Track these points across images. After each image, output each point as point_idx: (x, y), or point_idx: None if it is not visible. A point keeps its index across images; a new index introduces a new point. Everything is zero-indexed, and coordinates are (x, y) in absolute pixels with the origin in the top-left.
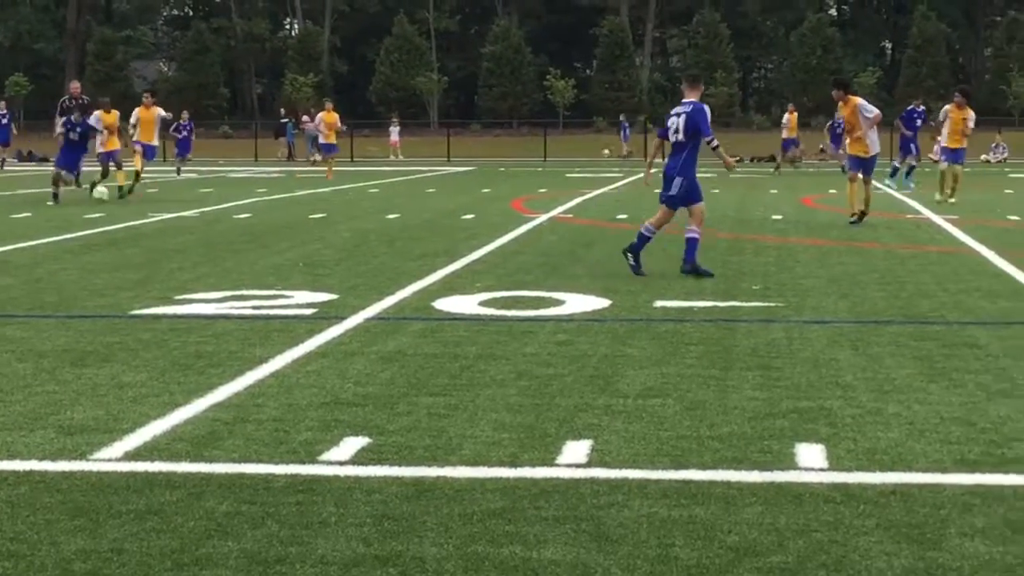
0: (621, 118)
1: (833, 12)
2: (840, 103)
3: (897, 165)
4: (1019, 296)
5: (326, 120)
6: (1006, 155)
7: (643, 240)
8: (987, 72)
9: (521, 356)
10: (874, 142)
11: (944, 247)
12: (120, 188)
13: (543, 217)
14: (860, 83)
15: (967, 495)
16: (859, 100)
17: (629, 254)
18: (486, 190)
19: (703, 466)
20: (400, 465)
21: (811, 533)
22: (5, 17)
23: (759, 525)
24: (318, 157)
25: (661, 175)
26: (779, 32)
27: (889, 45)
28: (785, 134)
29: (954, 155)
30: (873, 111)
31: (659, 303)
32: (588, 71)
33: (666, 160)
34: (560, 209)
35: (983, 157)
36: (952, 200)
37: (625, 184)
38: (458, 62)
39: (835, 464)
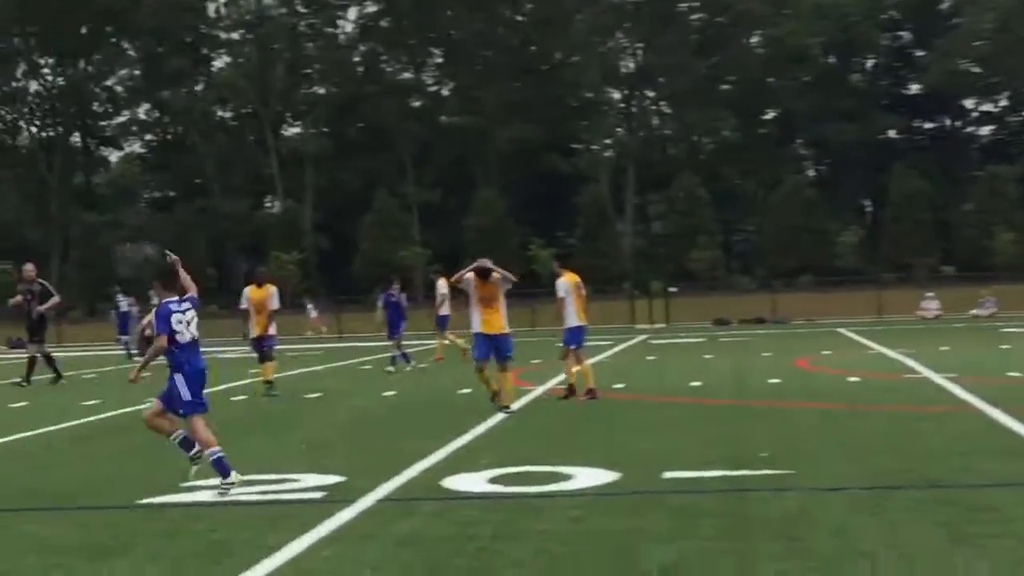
0: None
1: (811, 172)
2: None
3: None
4: None
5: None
6: (995, 309)
7: None
8: (969, 226)
9: (537, 534)
10: None
11: (948, 406)
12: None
13: (539, 390)
14: (843, 242)
15: None
16: None
17: None
18: None
19: None
20: None
21: None
22: None
23: None
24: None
25: None
26: (759, 194)
27: (869, 204)
28: None
29: None
30: None
31: (668, 474)
32: (571, 239)
33: None
34: (555, 381)
35: (972, 312)
36: None
37: (618, 351)
38: (441, 234)
39: None
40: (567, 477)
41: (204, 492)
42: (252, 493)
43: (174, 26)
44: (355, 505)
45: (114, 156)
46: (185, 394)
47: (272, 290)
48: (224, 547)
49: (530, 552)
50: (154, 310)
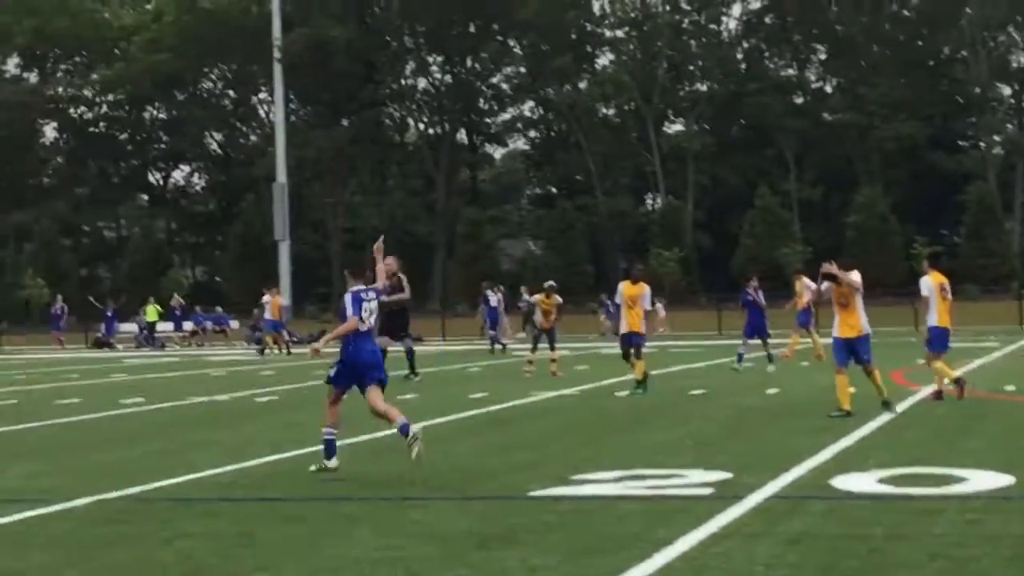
0: None
1: None
2: None
3: None
4: None
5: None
6: None
7: None
8: None
9: (931, 536)
10: None
11: None
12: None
13: (926, 390)
14: None
15: None
16: None
17: None
18: None
19: None
20: None
21: None
22: (380, 201)
23: None
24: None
25: None
26: None
27: None
28: None
29: None
30: None
31: None
32: (956, 238)
33: None
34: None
35: None
36: None
37: (1007, 352)
38: (822, 232)
39: None
40: (960, 479)
41: (593, 485)
42: (641, 488)
43: (559, 23)
44: (744, 502)
45: (498, 153)
46: (334, 372)
47: (645, 288)
48: (615, 540)
49: (924, 555)
50: (345, 296)
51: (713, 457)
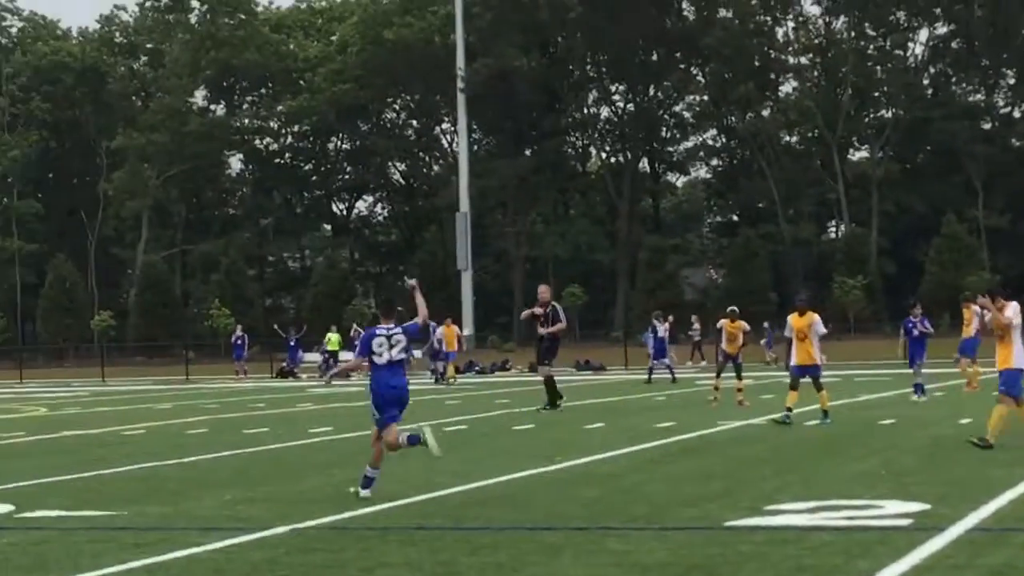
0: None
1: None
2: None
3: None
4: None
5: None
6: None
7: None
8: None
9: None
10: None
11: None
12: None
13: None
14: None
15: None
16: None
17: None
18: None
19: None
20: None
21: None
22: (562, 230)
23: None
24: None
25: None
26: None
27: None
28: None
29: None
30: None
31: None
32: None
33: None
34: None
35: None
36: None
37: None
38: (1010, 259)
39: None
40: None
41: (788, 516)
42: (838, 518)
43: (743, 51)
44: (944, 534)
45: (680, 181)
46: (372, 409)
47: (814, 317)
48: (813, 572)
49: None
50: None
51: (909, 488)
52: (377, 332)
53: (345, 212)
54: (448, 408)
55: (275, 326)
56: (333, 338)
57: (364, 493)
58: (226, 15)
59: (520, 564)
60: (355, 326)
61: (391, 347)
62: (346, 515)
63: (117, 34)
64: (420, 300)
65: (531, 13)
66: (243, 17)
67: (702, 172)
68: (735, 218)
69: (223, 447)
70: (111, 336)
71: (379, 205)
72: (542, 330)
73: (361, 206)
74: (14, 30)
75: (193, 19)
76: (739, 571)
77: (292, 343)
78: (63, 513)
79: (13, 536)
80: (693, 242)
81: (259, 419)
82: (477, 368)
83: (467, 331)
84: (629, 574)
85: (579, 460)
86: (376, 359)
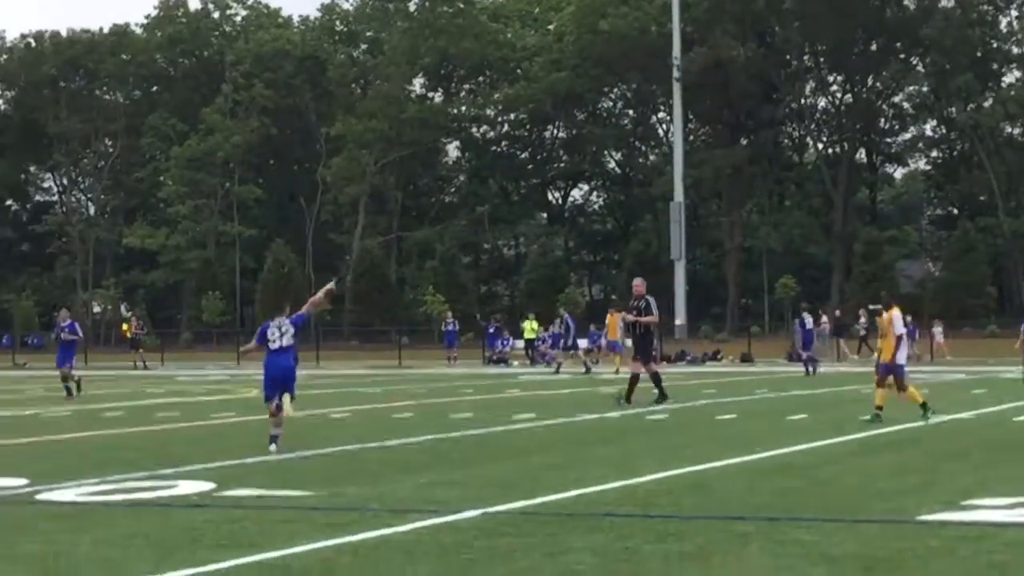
0: None
1: None
2: None
3: None
4: None
5: None
6: None
7: None
8: None
9: None
10: None
11: None
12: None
13: None
14: None
15: None
16: None
17: None
18: None
19: None
20: None
21: None
22: (777, 221)
23: None
24: None
25: None
26: None
27: None
28: None
29: None
30: None
31: None
32: None
33: None
34: None
35: None
36: None
37: None
38: None
39: None
40: None
41: (984, 511)
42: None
43: (964, 41)
44: None
45: (898, 172)
46: (264, 386)
47: (895, 314)
48: (1003, 568)
49: None
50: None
51: None
52: (271, 324)
53: (560, 201)
54: (651, 397)
55: (476, 316)
56: (529, 326)
57: (272, 448)
58: (445, 3)
59: (705, 553)
60: (562, 311)
61: (281, 335)
62: (537, 500)
63: (337, 22)
64: (319, 297)
65: (747, 2)
66: (461, 6)
67: (921, 164)
68: (954, 211)
69: (427, 431)
70: (326, 321)
71: (594, 194)
72: (629, 317)
73: (576, 195)
74: (238, 19)
75: (412, 7)
76: (927, 565)
77: (491, 331)
78: (262, 492)
79: (211, 513)
80: (911, 235)
81: (464, 405)
82: (689, 357)
83: (679, 320)
84: (816, 565)
85: (778, 451)
86: (271, 344)
